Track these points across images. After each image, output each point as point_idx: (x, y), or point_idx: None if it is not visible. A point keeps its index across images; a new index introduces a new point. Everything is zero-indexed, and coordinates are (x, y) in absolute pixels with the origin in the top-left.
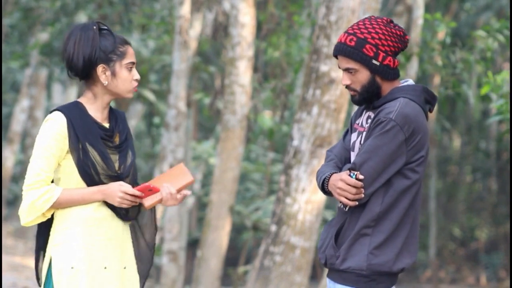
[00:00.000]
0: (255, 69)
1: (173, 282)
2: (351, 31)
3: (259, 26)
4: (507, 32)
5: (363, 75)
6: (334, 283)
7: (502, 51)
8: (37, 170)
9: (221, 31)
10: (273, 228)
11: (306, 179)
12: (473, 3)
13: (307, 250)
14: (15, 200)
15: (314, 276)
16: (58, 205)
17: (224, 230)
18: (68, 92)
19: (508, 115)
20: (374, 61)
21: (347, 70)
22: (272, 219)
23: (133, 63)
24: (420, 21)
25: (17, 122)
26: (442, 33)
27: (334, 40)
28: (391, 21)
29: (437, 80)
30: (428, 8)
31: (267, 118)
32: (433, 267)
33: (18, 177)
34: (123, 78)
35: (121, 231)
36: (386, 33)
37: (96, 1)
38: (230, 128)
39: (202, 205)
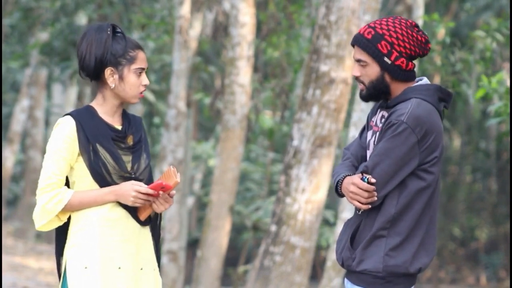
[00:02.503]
0: (255, 69)
1: (173, 282)
2: (372, 25)
3: (259, 26)
4: (506, 31)
5: (373, 70)
6: (351, 284)
7: (502, 50)
8: (49, 173)
9: (221, 31)
10: (273, 228)
11: (306, 179)
12: (473, 3)
13: (307, 250)
14: (15, 200)
15: (314, 276)
16: (70, 208)
17: (224, 230)
18: (68, 92)
19: (507, 117)
20: (385, 59)
21: (359, 61)
22: (272, 219)
23: (142, 68)
24: (420, 21)
25: (17, 122)
26: (442, 33)
27: (334, 40)
28: (416, 26)
29: (437, 80)
30: (428, 8)
31: (267, 118)
32: (433, 267)
33: (18, 177)
34: (130, 82)
35: (138, 231)
36: (405, 34)
37: (96, 1)
38: (230, 128)
39: (202, 205)
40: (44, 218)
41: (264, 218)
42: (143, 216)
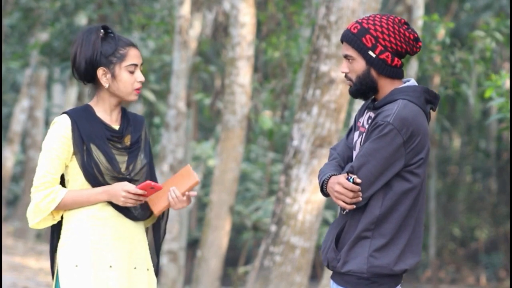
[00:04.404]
0: (255, 69)
1: (173, 282)
2: (359, 21)
3: (259, 26)
4: (506, 30)
5: (359, 65)
6: (336, 285)
7: (502, 50)
8: (43, 172)
9: (221, 31)
10: (273, 228)
11: (306, 179)
12: (473, 3)
13: (307, 250)
14: (15, 200)
15: (314, 276)
16: (64, 206)
17: (224, 230)
18: (68, 92)
19: (508, 114)
20: (370, 52)
21: (346, 57)
22: (272, 219)
23: (135, 65)
24: (420, 22)
25: (17, 122)
26: (441, 33)
27: (334, 40)
28: (406, 23)
29: (437, 80)
30: (428, 8)
31: (267, 118)
32: (433, 267)
33: (18, 177)
34: (123, 80)
35: (131, 230)
36: (391, 29)
37: (96, 1)
38: (230, 128)
39: (202, 205)
40: (38, 217)
41: (264, 218)
42: (158, 211)
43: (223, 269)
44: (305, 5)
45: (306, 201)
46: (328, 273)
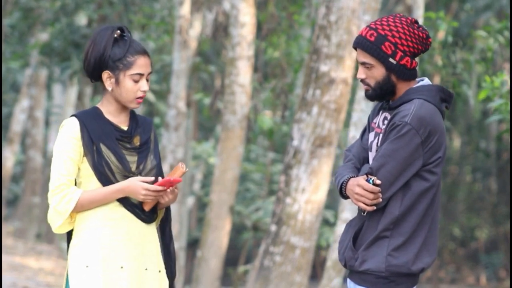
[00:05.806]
0: (255, 69)
1: None
2: (373, 26)
3: (259, 26)
4: (507, 33)
5: (379, 72)
6: (354, 284)
7: (502, 51)
8: (57, 175)
9: (221, 31)
10: (273, 228)
11: (306, 179)
12: (473, 3)
13: (307, 250)
14: (15, 200)
15: (314, 276)
16: (80, 207)
17: (224, 230)
18: (68, 92)
19: (507, 115)
20: (391, 60)
21: (363, 64)
22: (272, 219)
23: (141, 74)
24: (420, 20)
25: (17, 122)
26: (442, 33)
27: (334, 40)
28: (416, 22)
29: (437, 80)
30: (428, 8)
31: (267, 118)
32: (433, 267)
33: (18, 177)
34: (126, 88)
35: (143, 231)
36: (407, 33)
37: (96, 1)
38: (230, 128)
39: (202, 205)
40: (58, 220)
41: (264, 218)
42: (147, 207)
43: (223, 269)
44: (305, 5)
45: (306, 201)
46: (328, 273)
